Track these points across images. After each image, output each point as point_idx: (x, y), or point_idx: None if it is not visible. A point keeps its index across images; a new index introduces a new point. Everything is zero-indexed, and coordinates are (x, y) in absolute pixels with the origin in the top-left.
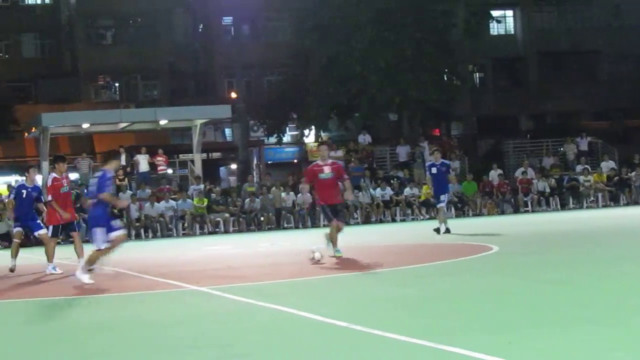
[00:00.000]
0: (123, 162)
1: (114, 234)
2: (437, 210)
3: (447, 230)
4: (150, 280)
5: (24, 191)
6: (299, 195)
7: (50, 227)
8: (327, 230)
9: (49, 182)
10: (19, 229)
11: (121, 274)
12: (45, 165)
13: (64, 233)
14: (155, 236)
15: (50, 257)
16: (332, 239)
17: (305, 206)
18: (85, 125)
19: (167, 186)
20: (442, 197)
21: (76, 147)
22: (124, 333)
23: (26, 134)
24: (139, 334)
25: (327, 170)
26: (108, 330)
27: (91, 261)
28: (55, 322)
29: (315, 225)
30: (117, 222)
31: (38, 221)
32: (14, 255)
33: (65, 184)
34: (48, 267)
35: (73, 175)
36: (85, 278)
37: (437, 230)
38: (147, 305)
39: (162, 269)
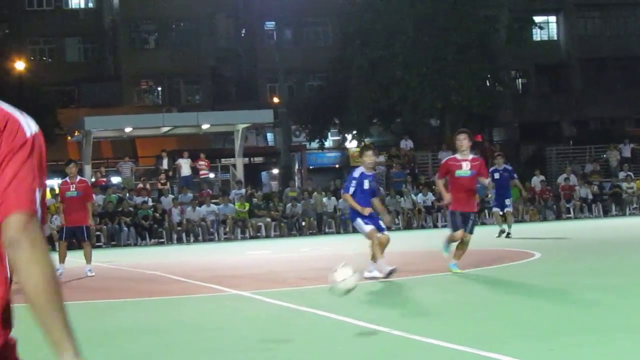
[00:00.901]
0: (165, 166)
1: (367, 227)
2: (506, 214)
3: (502, 233)
4: (192, 284)
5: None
6: (340, 200)
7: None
8: (448, 233)
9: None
10: None
11: (163, 277)
12: (87, 168)
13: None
14: (196, 240)
15: (62, 258)
16: (451, 244)
17: (346, 211)
18: (128, 129)
19: (209, 190)
20: (507, 202)
21: (119, 151)
22: (165, 337)
23: (69, 138)
24: (180, 338)
25: (465, 167)
26: (149, 334)
27: (375, 254)
28: (96, 325)
29: (356, 230)
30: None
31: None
32: None
33: (73, 189)
34: (85, 270)
35: (115, 179)
36: (377, 273)
37: (508, 234)
38: (188, 309)
39: (203, 273)
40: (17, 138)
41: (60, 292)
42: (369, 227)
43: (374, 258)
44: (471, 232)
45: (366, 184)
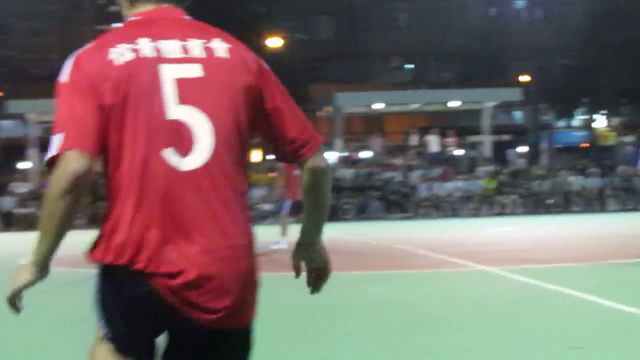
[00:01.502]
0: (415, 143)
1: None
2: None
3: None
4: (438, 259)
5: None
6: (588, 179)
7: None
8: None
9: None
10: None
11: (409, 251)
12: (338, 142)
13: None
14: (443, 215)
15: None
16: None
17: (594, 191)
18: (378, 106)
19: (457, 167)
20: None
21: (368, 127)
22: (410, 310)
23: (319, 112)
24: (425, 312)
25: None
26: (394, 307)
27: None
28: (342, 297)
29: (604, 210)
30: None
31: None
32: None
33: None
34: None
35: (366, 154)
36: None
37: None
38: (434, 283)
39: (450, 248)
40: (269, 73)
41: None
42: None
43: None
44: None
45: None
